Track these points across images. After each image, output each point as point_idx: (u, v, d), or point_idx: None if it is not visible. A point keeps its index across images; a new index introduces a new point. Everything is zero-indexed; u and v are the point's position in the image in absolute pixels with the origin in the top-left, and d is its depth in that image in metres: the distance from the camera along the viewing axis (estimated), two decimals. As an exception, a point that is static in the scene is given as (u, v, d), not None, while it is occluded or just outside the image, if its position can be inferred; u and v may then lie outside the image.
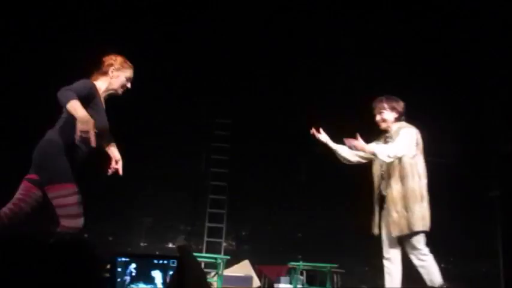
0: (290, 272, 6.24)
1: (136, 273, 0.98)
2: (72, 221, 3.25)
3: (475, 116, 7.72)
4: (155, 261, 1.00)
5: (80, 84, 3.29)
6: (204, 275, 0.95)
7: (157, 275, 0.98)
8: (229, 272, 5.67)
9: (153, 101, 7.53)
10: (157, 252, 7.11)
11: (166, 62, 7.51)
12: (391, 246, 3.93)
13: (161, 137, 7.61)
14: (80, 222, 3.31)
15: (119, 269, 0.96)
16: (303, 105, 7.83)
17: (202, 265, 6.93)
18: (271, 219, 7.68)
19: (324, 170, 7.68)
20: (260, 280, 6.50)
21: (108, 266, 0.92)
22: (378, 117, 4.05)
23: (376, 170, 4.08)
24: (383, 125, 4.05)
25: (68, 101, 3.04)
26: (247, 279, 5.58)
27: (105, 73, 3.55)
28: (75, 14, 6.88)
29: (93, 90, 3.40)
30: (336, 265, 5.83)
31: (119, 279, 0.94)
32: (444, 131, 7.52)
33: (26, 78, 6.92)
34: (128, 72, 3.61)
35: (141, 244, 7.37)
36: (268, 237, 7.63)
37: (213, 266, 6.01)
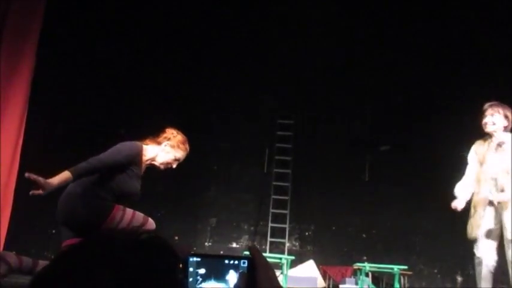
0: (355, 273, 6.15)
1: (208, 273, 0.99)
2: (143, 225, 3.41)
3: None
4: (226, 262, 1.00)
5: (121, 151, 3.35)
6: (275, 275, 0.95)
7: (229, 275, 0.99)
8: (293, 272, 5.66)
9: (215, 103, 7.67)
10: (221, 252, 7.22)
11: (229, 63, 7.61)
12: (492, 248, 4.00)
13: (225, 137, 7.72)
14: (151, 225, 3.45)
15: (191, 269, 0.98)
16: (365, 104, 7.72)
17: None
18: (335, 219, 7.60)
19: (389, 170, 7.54)
20: (324, 281, 6.45)
21: (181, 266, 0.93)
22: (488, 119, 4.05)
23: (484, 174, 4.05)
24: (490, 128, 4.06)
25: (72, 169, 3.11)
26: (312, 280, 5.54)
27: (159, 143, 3.55)
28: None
29: (134, 158, 3.39)
30: (405, 267, 5.68)
31: (190, 279, 0.96)
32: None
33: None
34: (180, 154, 3.55)
35: (206, 244, 7.49)
36: (332, 237, 7.55)
37: (277, 266, 6.02)
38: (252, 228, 7.67)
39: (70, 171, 3.11)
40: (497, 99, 4.30)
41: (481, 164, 4.14)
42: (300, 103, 7.79)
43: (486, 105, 4.14)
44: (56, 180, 3.05)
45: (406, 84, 7.65)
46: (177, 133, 3.59)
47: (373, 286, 6.03)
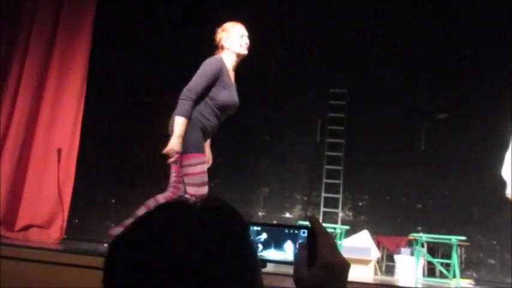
0: (410, 244, 6.07)
1: (268, 242, 1.00)
2: (199, 189, 3.51)
3: None
4: (286, 231, 1.01)
5: (201, 74, 3.59)
6: (336, 244, 0.94)
7: (288, 244, 0.99)
8: (347, 242, 5.65)
9: (268, 71, 7.62)
10: (274, 221, 7.29)
11: (281, 31, 7.54)
12: None
13: (277, 108, 7.70)
14: (204, 190, 3.56)
15: (251, 238, 0.99)
16: (422, 70, 7.49)
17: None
18: (389, 189, 7.50)
19: (445, 139, 7.33)
20: (379, 251, 6.42)
21: None
22: None
23: None
24: None
25: (180, 114, 3.46)
26: (367, 250, 5.51)
27: (222, 47, 3.75)
28: None
29: (216, 70, 3.61)
30: (463, 237, 5.56)
31: None
32: None
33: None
34: (237, 30, 3.73)
35: (260, 214, 7.59)
36: (386, 208, 7.47)
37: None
38: (305, 198, 7.69)
39: (181, 115, 3.46)
40: None
41: None
42: (353, 71, 7.64)
43: None
44: (179, 131, 3.43)
45: (463, 51, 7.37)
46: (221, 27, 3.78)
47: (428, 256, 5.95)
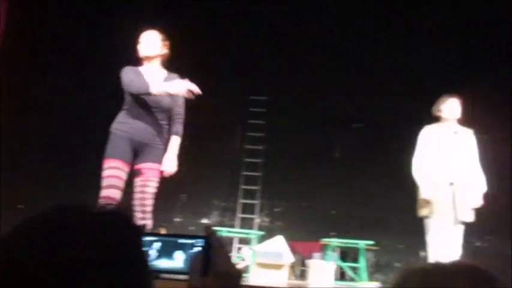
0: (323, 249, 6.26)
1: (162, 252, 0.99)
2: (103, 191, 3.52)
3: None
4: (180, 241, 1.00)
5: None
6: (230, 256, 0.96)
7: (182, 254, 0.99)
8: (262, 247, 5.73)
9: (190, 76, 7.57)
10: (190, 228, 7.24)
11: (205, 37, 7.53)
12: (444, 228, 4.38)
13: (197, 113, 7.65)
14: (107, 192, 3.52)
15: (145, 248, 0.97)
16: (338, 82, 7.76)
17: (236, 241, 7.04)
18: (305, 196, 7.68)
19: (359, 147, 7.64)
20: (293, 256, 6.55)
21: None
22: (445, 106, 4.35)
23: (441, 157, 4.28)
24: (447, 115, 4.33)
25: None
26: (280, 255, 5.61)
27: None
28: None
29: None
30: (370, 242, 5.81)
31: None
32: (486, 106, 7.34)
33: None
34: (141, 37, 3.93)
35: (176, 219, 7.51)
36: (302, 214, 7.64)
37: (246, 241, 6.08)
38: (222, 204, 7.70)
39: None
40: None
41: (437, 147, 4.35)
42: (273, 79, 7.77)
43: (445, 95, 4.46)
44: None
45: (379, 62, 7.71)
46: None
47: (339, 260, 6.16)
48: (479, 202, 4.39)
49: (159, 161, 3.77)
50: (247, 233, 5.69)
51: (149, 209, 3.69)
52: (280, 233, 6.80)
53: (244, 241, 6.50)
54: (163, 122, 3.86)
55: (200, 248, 0.98)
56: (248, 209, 7.49)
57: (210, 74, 7.60)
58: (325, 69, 7.75)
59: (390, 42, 7.61)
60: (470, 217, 4.39)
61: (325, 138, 7.76)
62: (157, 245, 0.99)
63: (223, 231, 5.56)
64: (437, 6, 7.50)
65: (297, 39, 7.77)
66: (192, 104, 7.49)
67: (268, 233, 6.98)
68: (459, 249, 4.33)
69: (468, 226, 4.70)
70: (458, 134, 4.50)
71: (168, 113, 3.88)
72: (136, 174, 3.74)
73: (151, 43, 3.90)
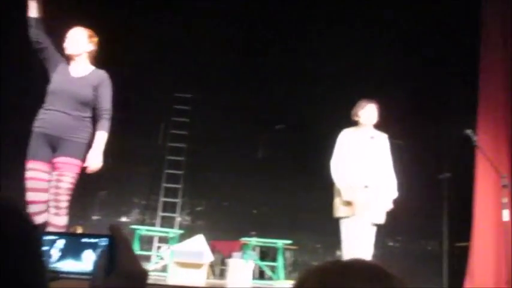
0: (243, 248, 6.31)
1: (64, 252, 0.96)
2: (27, 194, 3.45)
3: (429, 99, 7.92)
4: (84, 240, 0.97)
5: None
6: (135, 253, 0.94)
7: (87, 253, 0.96)
8: (181, 246, 5.68)
9: (112, 73, 7.38)
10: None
11: (129, 34, 7.38)
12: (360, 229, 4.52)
13: (119, 109, 7.47)
14: (30, 196, 3.46)
15: (45, 247, 0.93)
16: (265, 82, 7.86)
17: (156, 240, 6.94)
18: (227, 195, 7.71)
19: (282, 147, 7.78)
20: (213, 255, 6.56)
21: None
22: (362, 112, 4.45)
23: (359, 161, 4.40)
24: (364, 120, 4.45)
25: None
26: (200, 254, 5.59)
27: None
28: None
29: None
30: (288, 241, 5.94)
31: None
32: (399, 112, 7.72)
33: None
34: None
35: (94, 217, 7.28)
36: (224, 213, 7.67)
37: (166, 240, 6.01)
38: (143, 202, 7.57)
39: None
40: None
41: (354, 151, 4.52)
42: (199, 77, 7.73)
43: (362, 101, 4.61)
44: None
45: (303, 66, 7.89)
46: None
47: (257, 259, 6.24)
48: (389, 206, 4.61)
49: (75, 155, 3.65)
50: (167, 232, 5.62)
51: (64, 205, 3.56)
52: (201, 232, 6.78)
53: (164, 240, 6.42)
54: (84, 115, 3.75)
55: (104, 247, 0.96)
56: (169, 207, 7.41)
57: (135, 70, 7.47)
58: (249, 70, 7.82)
59: (313, 47, 7.82)
60: (382, 219, 4.60)
61: (249, 138, 7.82)
62: (59, 245, 0.96)
63: (143, 230, 5.46)
64: (360, 13, 7.79)
65: (222, 38, 7.79)
66: (114, 98, 7.38)
67: (190, 232, 6.94)
68: (371, 249, 4.52)
69: (382, 227, 4.92)
70: (375, 138, 4.69)
71: (89, 106, 3.77)
72: (53, 168, 3.62)
73: (77, 40, 3.85)
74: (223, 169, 7.63)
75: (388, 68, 7.90)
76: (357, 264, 0.81)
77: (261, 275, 6.59)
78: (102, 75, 3.82)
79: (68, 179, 3.60)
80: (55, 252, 0.96)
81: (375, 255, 5.53)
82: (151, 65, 7.53)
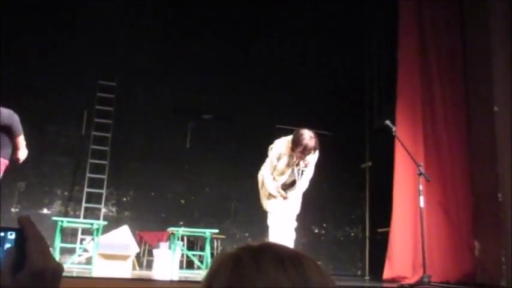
0: (170, 238, 6.26)
1: None
2: None
3: (352, 94, 8.20)
4: None
5: None
6: (48, 247, 0.89)
7: None
8: (106, 238, 5.55)
9: (34, 58, 7.06)
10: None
11: (51, 18, 7.08)
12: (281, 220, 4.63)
13: (42, 97, 7.17)
14: None
15: None
16: (193, 72, 7.80)
17: (79, 231, 6.74)
18: (154, 185, 7.61)
19: (210, 137, 7.77)
20: (140, 246, 6.47)
21: None
22: (302, 155, 4.29)
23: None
24: (301, 161, 4.40)
25: None
26: (125, 245, 5.49)
27: None
28: None
29: None
30: (216, 230, 5.96)
31: None
32: (322, 104, 7.95)
33: None
34: None
35: (13, 210, 6.95)
36: (151, 203, 7.57)
37: (91, 232, 5.85)
38: (66, 193, 7.31)
39: None
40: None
41: (285, 166, 4.55)
42: (124, 64, 7.53)
43: (306, 143, 4.32)
44: None
45: (234, 55, 7.91)
46: None
47: (184, 249, 6.23)
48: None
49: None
50: (91, 223, 5.47)
51: None
52: (128, 223, 6.67)
53: (88, 232, 6.24)
54: None
55: (12, 242, 0.90)
56: (94, 198, 7.21)
57: (57, 55, 7.18)
58: (178, 59, 7.73)
59: (241, 34, 7.87)
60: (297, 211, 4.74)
61: (176, 128, 7.75)
62: None
63: (65, 221, 5.28)
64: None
65: (150, 25, 7.65)
66: (34, 86, 7.07)
67: (116, 223, 6.80)
68: (294, 234, 4.64)
69: (309, 214, 5.07)
70: (300, 164, 4.58)
71: None
72: None
73: None
74: (150, 159, 7.53)
75: (312, 61, 8.11)
76: (268, 248, 0.82)
77: (188, 264, 6.58)
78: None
79: None
80: None
81: (302, 243, 5.70)
82: (73, 52, 7.26)
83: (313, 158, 4.61)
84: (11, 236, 0.89)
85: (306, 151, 4.39)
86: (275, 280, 0.75)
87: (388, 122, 5.12)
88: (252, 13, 8.01)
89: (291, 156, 4.55)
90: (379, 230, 6.94)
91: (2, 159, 3.83)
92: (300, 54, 8.04)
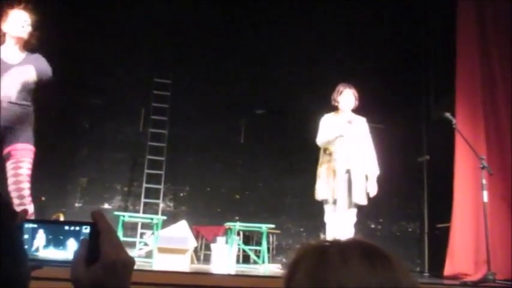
0: (227, 233, 6.33)
1: (47, 240, 0.93)
2: None
3: (408, 84, 8.00)
4: (66, 228, 0.94)
5: None
6: (120, 241, 0.91)
7: (69, 242, 0.94)
8: (165, 232, 5.68)
9: (91, 57, 7.29)
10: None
11: (107, 19, 7.28)
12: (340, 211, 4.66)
13: (100, 96, 7.42)
14: None
15: (26, 236, 0.91)
16: (244, 67, 7.83)
17: (139, 225, 6.93)
18: (209, 180, 7.71)
19: (263, 132, 7.79)
20: (197, 240, 6.58)
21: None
22: (341, 97, 4.50)
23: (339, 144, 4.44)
24: (342, 106, 4.51)
25: None
26: (184, 239, 5.60)
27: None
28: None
29: None
30: (272, 226, 5.98)
31: (26, 246, 0.89)
32: (378, 96, 7.79)
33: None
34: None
35: (76, 205, 7.23)
36: (206, 198, 7.68)
37: (150, 226, 6.01)
38: (125, 188, 7.53)
39: None
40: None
41: (334, 125, 4.62)
42: (178, 62, 7.67)
43: (340, 86, 4.66)
44: None
45: (283, 51, 7.88)
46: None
47: (241, 244, 6.28)
48: (375, 189, 4.69)
49: (29, 141, 3.62)
50: (151, 218, 5.61)
51: (27, 192, 3.49)
52: (184, 218, 6.79)
53: (147, 226, 6.40)
54: (25, 102, 3.67)
55: (87, 235, 0.93)
56: (152, 193, 7.39)
57: (114, 54, 7.38)
58: (230, 55, 7.79)
59: (292, 31, 7.82)
60: (364, 200, 4.68)
61: (230, 123, 7.82)
62: (41, 233, 0.94)
63: (126, 216, 5.45)
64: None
65: (203, 23, 7.72)
66: (92, 85, 7.31)
67: (173, 217, 6.93)
68: (352, 230, 4.61)
69: (363, 209, 4.99)
70: (353, 122, 4.75)
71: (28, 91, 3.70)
72: (6, 158, 3.54)
73: (21, 23, 3.71)
74: (205, 154, 7.63)
75: (366, 51, 7.94)
76: (356, 244, 0.82)
77: (244, 259, 6.64)
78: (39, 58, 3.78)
79: (26, 165, 3.54)
80: (37, 241, 0.93)
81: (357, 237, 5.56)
82: (129, 51, 7.45)
83: (361, 123, 4.67)
84: (86, 230, 0.92)
85: (344, 91, 4.76)
86: (362, 277, 0.74)
87: (448, 115, 5.00)
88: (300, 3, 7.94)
89: (336, 117, 4.79)
90: (438, 225, 6.76)
91: (28, 145, 3.63)
92: (354, 45, 7.90)
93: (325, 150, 4.75)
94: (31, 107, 3.69)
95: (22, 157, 3.51)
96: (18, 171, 3.47)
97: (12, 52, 3.68)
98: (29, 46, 3.76)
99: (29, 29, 3.72)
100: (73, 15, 7.22)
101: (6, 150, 3.55)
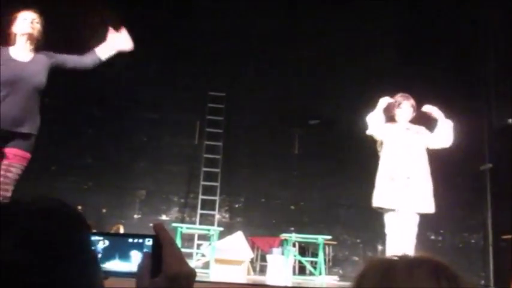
0: (282, 244, 6.31)
1: (110, 252, 0.95)
2: None
3: (468, 90, 7.73)
4: (130, 240, 0.96)
5: None
6: (181, 253, 0.92)
7: (133, 254, 0.95)
8: (221, 243, 5.72)
9: (146, 73, 7.50)
10: (150, 225, 7.15)
11: (161, 34, 7.46)
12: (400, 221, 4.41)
13: (155, 109, 7.61)
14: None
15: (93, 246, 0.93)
16: (297, 78, 7.83)
17: (196, 236, 7.02)
18: (264, 191, 7.72)
19: (318, 143, 7.74)
20: (253, 251, 6.58)
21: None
22: (400, 110, 4.36)
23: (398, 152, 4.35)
24: (400, 118, 4.58)
25: None
26: (240, 251, 5.63)
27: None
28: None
29: None
30: (328, 237, 5.90)
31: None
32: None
33: None
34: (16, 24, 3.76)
35: (135, 216, 7.41)
36: (262, 209, 7.68)
37: (206, 237, 6.06)
38: (182, 200, 7.65)
39: None
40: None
41: (391, 143, 4.48)
42: (232, 75, 7.76)
43: (399, 97, 4.53)
44: None
45: (334, 61, 7.81)
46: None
47: (297, 255, 6.23)
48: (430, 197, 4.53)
49: (28, 149, 3.66)
50: (207, 229, 5.67)
51: (8, 195, 3.51)
52: (240, 229, 6.83)
53: (204, 237, 6.47)
54: (32, 104, 3.71)
55: (149, 248, 0.94)
56: (208, 205, 7.47)
57: (169, 69, 7.55)
58: (283, 67, 7.80)
59: (345, 41, 7.74)
60: (430, 208, 4.51)
61: (284, 134, 7.82)
62: (104, 245, 0.96)
63: (184, 228, 5.53)
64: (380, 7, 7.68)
65: (257, 36, 7.78)
66: (149, 100, 7.51)
67: (228, 229, 6.97)
68: (413, 240, 4.45)
69: (424, 220, 4.83)
70: (411, 129, 4.63)
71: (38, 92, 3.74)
72: (2, 157, 3.58)
73: (29, 20, 3.76)
74: (260, 165, 7.65)
75: (422, 59, 7.74)
76: (423, 262, 0.79)
77: (300, 270, 6.58)
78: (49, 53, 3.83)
79: (16, 170, 3.57)
80: (102, 253, 0.95)
81: (417, 250, 5.44)
82: (184, 65, 7.60)
83: (422, 131, 4.57)
84: (149, 242, 0.93)
85: (403, 103, 4.61)
86: None
87: (510, 121, 4.79)
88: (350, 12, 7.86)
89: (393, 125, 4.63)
90: (504, 236, 6.46)
91: (25, 153, 3.63)
92: (410, 55, 7.71)
93: (383, 156, 4.62)
94: (38, 114, 3.75)
95: (16, 162, 3.56)
96: (8, 174, 3.53)
97: (23, 50, 3.74)
98: (38, 43, 3.80)
99: (38, 26, 3.76)
100: (129, 28, 7.45)
101: (4, 150, 3.61)
